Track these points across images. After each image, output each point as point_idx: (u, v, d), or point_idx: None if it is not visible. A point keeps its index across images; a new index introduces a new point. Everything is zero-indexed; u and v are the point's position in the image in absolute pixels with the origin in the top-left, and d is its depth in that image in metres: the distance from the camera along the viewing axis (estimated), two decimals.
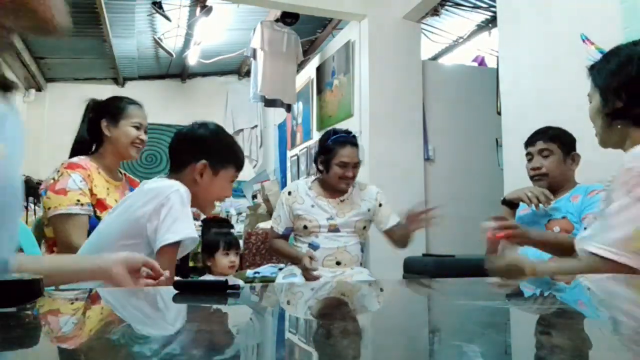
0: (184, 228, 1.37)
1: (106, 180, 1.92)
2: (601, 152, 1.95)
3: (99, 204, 1.84)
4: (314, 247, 2.43)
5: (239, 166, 1.62)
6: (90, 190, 1.83)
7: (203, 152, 1.54)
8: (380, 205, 2.53)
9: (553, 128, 2.07)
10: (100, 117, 1.93)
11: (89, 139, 1.96)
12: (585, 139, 2.06)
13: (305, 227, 2.45)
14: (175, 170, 1.56)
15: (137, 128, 1.95)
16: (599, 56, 1.43)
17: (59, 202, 1.77)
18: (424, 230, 4.07)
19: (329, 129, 2.86)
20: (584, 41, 1.56)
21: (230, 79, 7.08)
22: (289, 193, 2.55)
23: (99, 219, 1.77)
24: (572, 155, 2.04)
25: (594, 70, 1.37)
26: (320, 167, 2.53)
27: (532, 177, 2.07)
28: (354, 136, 2.58)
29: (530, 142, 2.09)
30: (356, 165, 2.47)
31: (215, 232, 2.69)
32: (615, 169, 1.26)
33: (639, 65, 1.25)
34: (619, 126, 1.29)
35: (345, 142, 2.48)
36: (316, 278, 2.28)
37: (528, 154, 2.09)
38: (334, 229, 2.45)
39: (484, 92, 4.18)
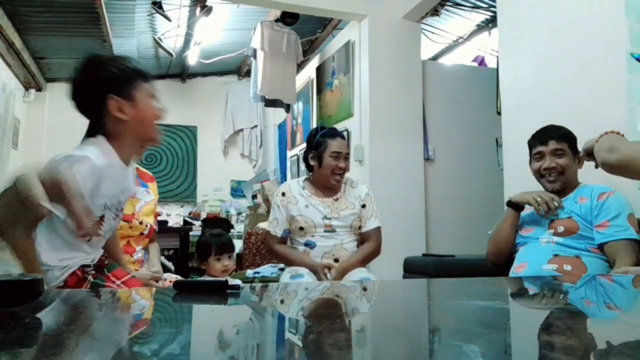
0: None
1: None
2: None
3: None
4: (310, 246, 2.42)
5: (142, 76, 1.47)
6: None
7: (104, 90, 1.40)
8: (363, 206, 2.48)
9: (560, 127, 2.01)
10: None
11: None
12: (584, 139, 2.06)
13: (301, 228, 2.42)
14: (94, 127, 1.44)
15: None
16: None
17: None
18: (424, 230, 4.10)
19: (313, 128, 2.90)
20: (638, 59, 1.56)
21: (230, 79, 7.08)
22: (283, 194, 2.49)
23: None
24: (577, 156, 1.97)
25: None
26: (312, 163, 2.51)
27: (542, 176, 2.00)
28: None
29: (541, 141, 2.00)
30: (347, 157, 2.50)
31: (210, 234, 2.67)
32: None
33: None
34: None
35: (335, 135, 2.53)
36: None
37: (537, 153, 2.00)
38: (330, 229, 2.42)
39: (484, 92, 4.18)
